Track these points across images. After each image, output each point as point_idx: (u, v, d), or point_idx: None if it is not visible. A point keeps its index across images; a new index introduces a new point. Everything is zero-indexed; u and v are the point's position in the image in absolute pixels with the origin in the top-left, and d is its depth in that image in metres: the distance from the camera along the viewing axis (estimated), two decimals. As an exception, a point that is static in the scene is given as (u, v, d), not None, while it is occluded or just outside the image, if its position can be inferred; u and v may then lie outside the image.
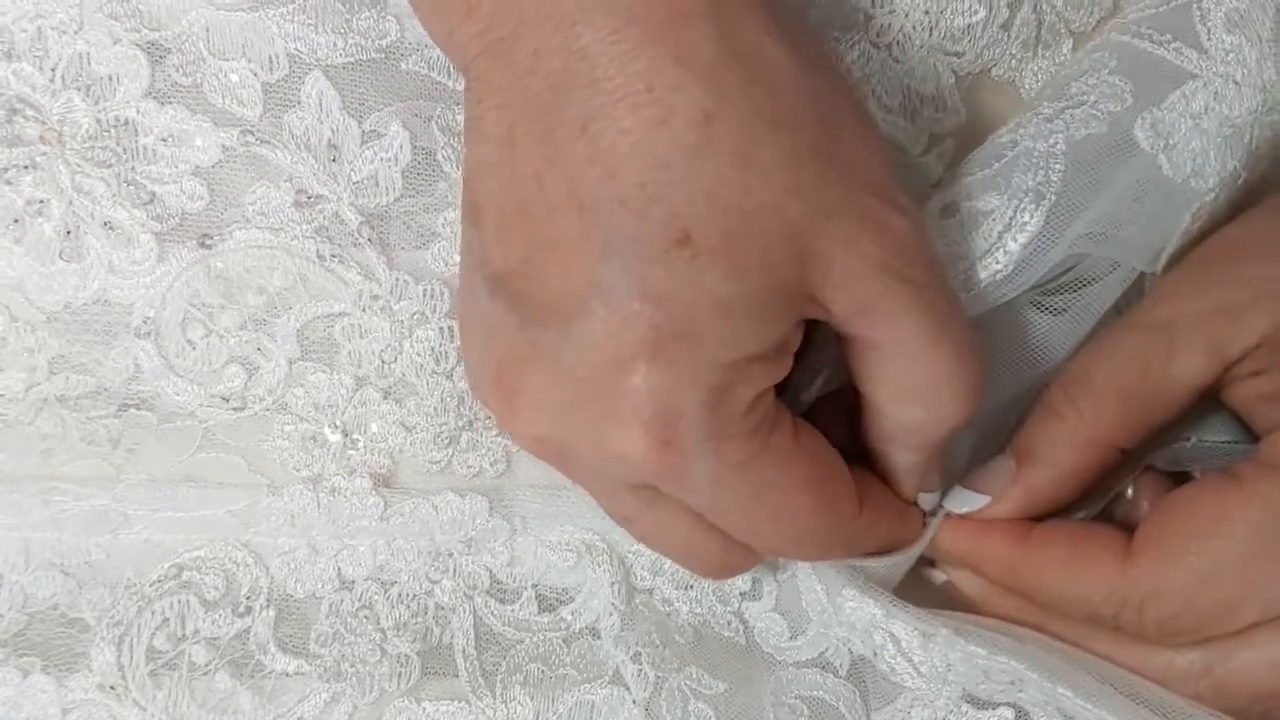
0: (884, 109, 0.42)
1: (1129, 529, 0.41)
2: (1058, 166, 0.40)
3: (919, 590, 0.44)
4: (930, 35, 0.42)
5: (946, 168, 0.43)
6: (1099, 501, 0.44)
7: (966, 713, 0.41)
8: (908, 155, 0.43)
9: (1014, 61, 0.43)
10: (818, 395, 0.41)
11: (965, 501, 0.42)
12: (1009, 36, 0.42)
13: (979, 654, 0.40)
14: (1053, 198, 0.39)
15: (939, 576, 0.43)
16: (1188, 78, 0.40)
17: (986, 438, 0.43)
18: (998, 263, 0.40)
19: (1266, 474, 0.39)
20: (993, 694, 0.41)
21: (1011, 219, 0.39)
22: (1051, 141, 0.40)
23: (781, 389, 0.37)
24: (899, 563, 0.42)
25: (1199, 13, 0.41)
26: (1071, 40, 0.43)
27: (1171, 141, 0.40)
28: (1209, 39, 0.40)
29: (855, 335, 0.37)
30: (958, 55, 0.42)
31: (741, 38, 0.34)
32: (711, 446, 0.35)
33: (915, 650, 0.41)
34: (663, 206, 0.33)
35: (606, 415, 0.35)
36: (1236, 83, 0.40)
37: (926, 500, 0.42)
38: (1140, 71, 0.40)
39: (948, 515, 0.43)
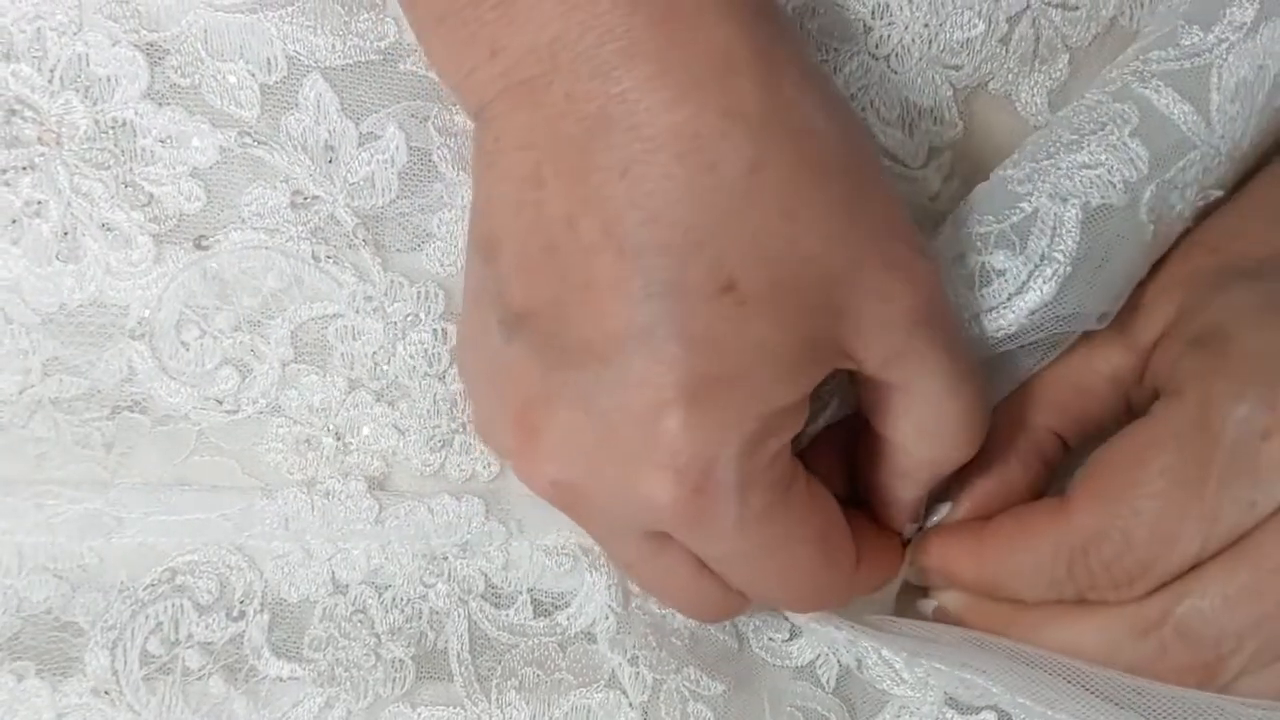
0: (882, 121, 0.42)
1: None
2: (1074, 235, 0.40)
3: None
4: (929, 48, 0.42)
5: (944, 180, 0.44)
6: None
7: (951, 718, 0.42)
8: (906, 168, 0.43)
9: (1011, 75, 0.43)
10: (823, 426, 0.42)
11: (931, 514, 0.43)
12: (1007, 51, 0.43)
13: (940, 669, 0.41)
14: (1069, 268, 0.40)
15: (929, 605, 0.44)
16: (1190, 148, 0.41)
17: None
18: (1005, 322, 0.40)
19: (1171, 402, 0.40)
20: (974, 699, 0.41)
21: (1025, 284, 0.40)
22: (1069, 206, 0.40)
23: None
24: (884, 598, 0.43)
25: (1216, 78, 0.41)
26: (1068, 55, 0.43)
27: (1162, 214, 0.41)
28: (1216, 109, 0.41)
29: (882, 381, 0.38)
30: (956, 68, 0.42)
31: (783, 90, 0.35)
32: (740, 495, 0.36)
33: (896, 659, 0.42)
34: (708, 253, 0.34)
35: (638, 459, 0.35)
36: (1222, 155, 0.41)
37: (910, 530, 0.43)
38: (1156, 137, 0.41)
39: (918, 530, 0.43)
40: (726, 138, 0.34)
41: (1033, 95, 0.43)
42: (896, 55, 0.42)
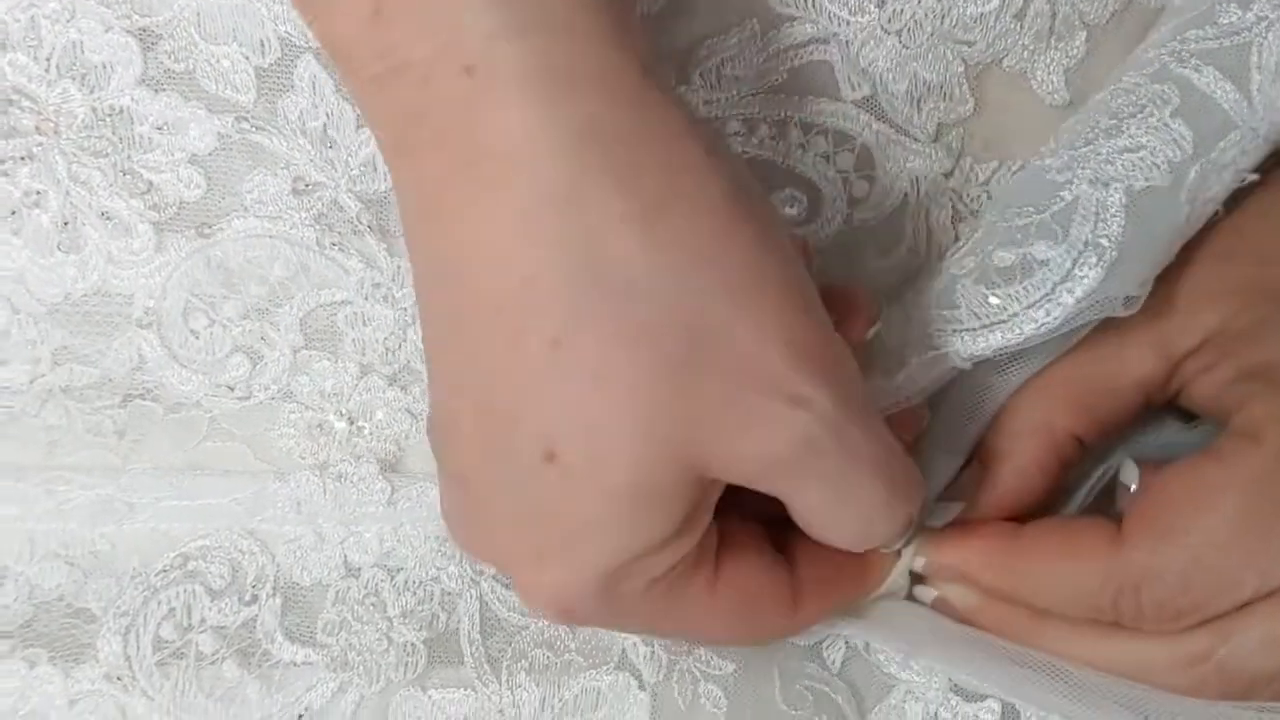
0: (891, 96, 0.41)
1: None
2: (1118, 220, 0.39)
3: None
4: (942, 23, 0.41)
5: (957, 158, 0.43)
6: (1077, 498, 0.44)
7: (955, 705, 0.42)
8: (915, 141, 0.42)
9: (1026, 53, 0.42)
10: None
11: (942, 513, 0.42)
12: (1022, 27, 0.41)
13: (939, 668, 0.41)
14: (1114, 253, 0.38)
15: (928, 594, 0.43)
16: (1232, 128, 0.39)
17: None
18: (1050, 315, 0.39)
19: (1244, 445, 0.39)
20: (978, 686, 0.41)
21: (1070, 272, 0.39)
22: (1111, 190, 0.39)
23: None
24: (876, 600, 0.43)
25: (1256, 56, 0.39)
26: (1086, 32, 0.42)
27: (1199, 195, 0.39)
28: (1258, 89, 0.39)
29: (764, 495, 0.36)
30: (969, 44, 0.41)
31: (604, 248, 0.32)
32: (611, 622, 0.37)
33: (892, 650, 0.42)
34: (528, 425, 0.33)
35: (520, 585, 0.36)
36: (1260, 138, 0.39)
37: (890, 548, 0.42)
38: (1199, 117, 0.39)
39: (930, 529, 0.42)
40: (528, 311, 0.32)
41: (1049, 73, 0.42)
42: (908, 30, 0.41)
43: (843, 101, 0.41)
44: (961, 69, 0.42)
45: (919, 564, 0.42)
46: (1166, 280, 0.40)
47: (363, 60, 0.33)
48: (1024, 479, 0.42)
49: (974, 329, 0.40)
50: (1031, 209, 0.40)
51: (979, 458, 0.43)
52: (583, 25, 0.33)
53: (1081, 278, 0.39)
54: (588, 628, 0.39)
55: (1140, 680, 0.40)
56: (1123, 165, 0.39)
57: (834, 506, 0.36)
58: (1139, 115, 0.40)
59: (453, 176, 0.33)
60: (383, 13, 0.32)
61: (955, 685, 0.42)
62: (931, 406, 0.42)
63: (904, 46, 0.41)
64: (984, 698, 0.41)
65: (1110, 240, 0.38)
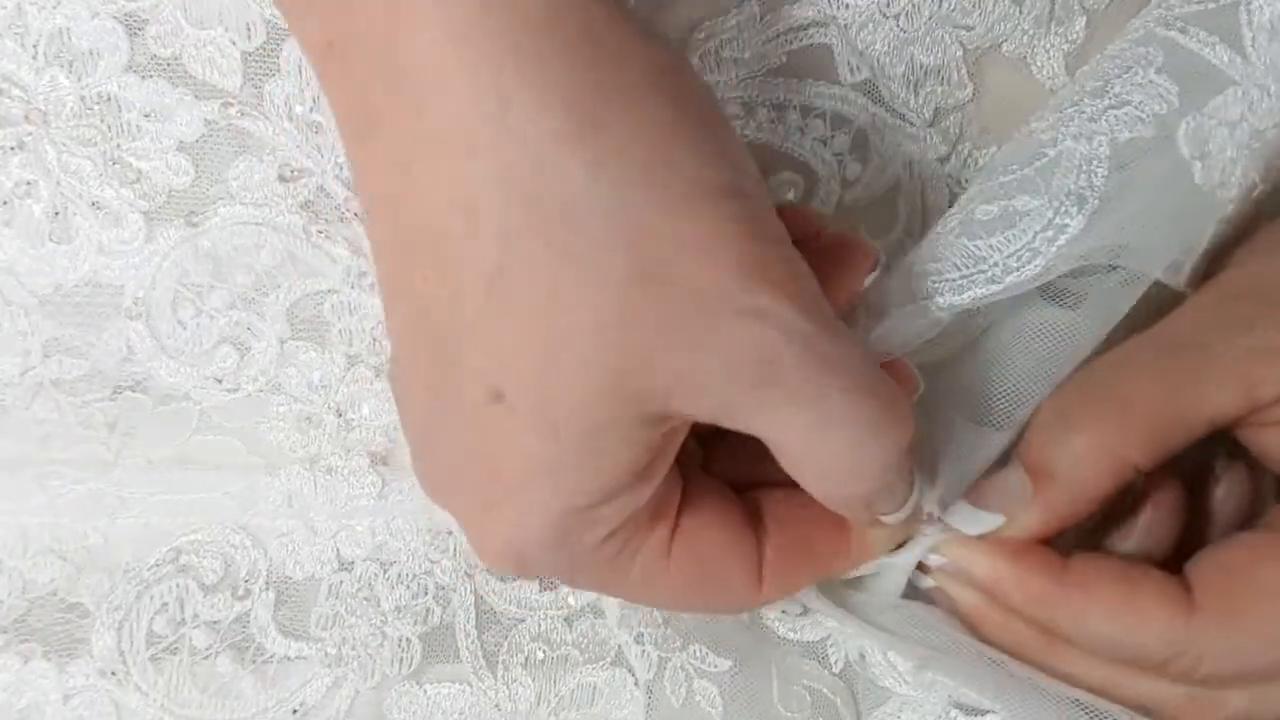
0: (888, 80, 0.41)
1: (1156, 560, 0.40)
2: (1101, 171, 0.38)
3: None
4: (940, 7, 0.40)
5: (954, 144, 0.42)
6: (1117, 525, 0.42)
7: (956, 719, 0.41)
8: (912, 126, 0.42)
9: (1026, 38, 0.41)
10: None
11: (976, 522, 0.40)
12: (1021, 11, 0.41)
13: (947, 684, 0.40)
14: (1095, 202, 0.38)
15: (927, 582, 0.42)
16: (1228, 84, 0.39)
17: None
18: (1032, 264, 0.39)
19: None
20: (980, 700, 0.41)
21: (1051, 220, 0.38)
22: (1095, 143, 0.39)
23: None
24: (881, 575, 0.41)
25: (1246, 15, 0.39)
26: (1085, 17, 0.42)
27: (1208, 149, 0.39)
28: (1252, 45, 0.39)
29: (731, 428, 0.34)
30: (968, 29, 0.41)
31: (539, 168, 0.31)
32: (565, 576, 0.36)
33: (899, 660, 0.41)
34: (471, 363, 0.32)
35: (473, 536, 0.36)
36: (1270, 94, 0.39)
37: (889, 519, 0.39)
38: (1186, 73, 0.39)
39: (959, 535, 0.41)
40: (467, 239, 0.31)
41: (1049, 58, 0.42)
42: (907, 14, 0.40)
43: (841, 85, 0.41)
44: (960, 53, 0.41)
45: (934, 561, 0.41)
46: (1264, 319, 0.39)
47: None
48: (1079, 506, 0.39)
49: (955, 279, 0.39)
50: (1015, 166, 0.39)
51: (1027, 464, 0.40)
52: None
53: (1063, 226, 0.38)
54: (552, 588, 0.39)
55: (1149, 710, 0.39)
56: (1107, 121, 0.39)
57: (817, 430, 0.33)
58: (1124, 75, 0.39)
59: (381, 101, 0.31)
60: None
61: (956, 700, 0.41)
62: (951, 369, 0.42)
63: (902, 30, 0.40)
64: (984, 713, 0.41)
65: (1092, 190, 0.38)
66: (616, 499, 0.34)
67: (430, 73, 0.31)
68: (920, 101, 0.41)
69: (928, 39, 0.41)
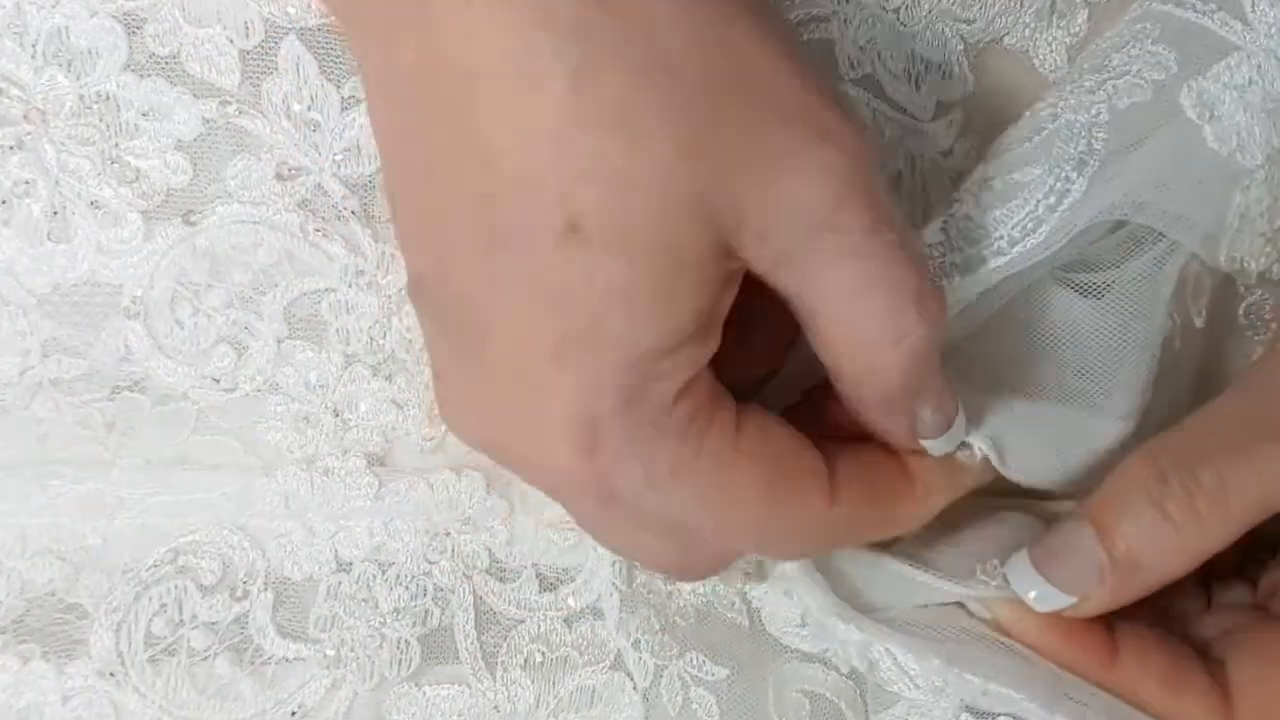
0: (889, 74, 0.41)
1: (1198, 646, 0.40)
2: (1101, 135, 0.38)
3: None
4: (940, 1, 0.40)
5: (957, 137, 0.42)
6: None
7: None
8: (915, 120, 0.41)
9: (1027, 31, 0.41)
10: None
11: (1046, 599, 0.38)
12: (1021, 5, 0.41)
13: (974, 682, 0.39)
14: (1096, 164, 0.38)
15: (981, 612, 0.41)
16: (1231, 49, 0.39)
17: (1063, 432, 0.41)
18: (1036, 232, 0.38)
19: None
20: (993, 705, 0.40)
21: (1052, 186, 0.38)
22: (1094, 111, 0.39)
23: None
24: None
25: None
26: (1087, 10, 0.41)
27: (1216, 113, 0.39)
28: (1253, 10, 0.39)
29: (779, 286, 0.33)
30: (968, 22, 0.41)
31: None
32: (638, 451, 0.33)
33: (911, 664, 0.40)
34: (547, 192, 0.30)
35: (531, 425, 0.33)
36: (1279, 58, 0.38)
37: (935, 447, 0.38)
38: (1184, 41, 0.39)
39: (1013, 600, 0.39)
40: (543, 54, 0.30)
41: (1050, 51, 0.42)
42: (906, 8, 0.40)
43: (842, 80, 0.41)
44: (961, 47, 0.41)
45: (975, 608, 0.40)
46: None
47: None
48: (1150, 591, 0.38)
49: (962, 258, 0.39)
50: (1017, 143, 0.39)
51: (1110, 548, 0.38)
52: None
53: (1065, 191, 0.38)
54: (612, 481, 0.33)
55: None
56: (1105, 91, 0.39)
57: (863, 289, 0.33)
58: (1122, 50, 0.39)
59: None
60: None
61: (967, 704, 0.41)
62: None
63: (902, 25, 0.40)
64: (996, 715, 0.40)
65: (1092, 154, 0.38)
66: (684, 348, 0.32)
67: None
68: (922, 96, 0.41)
69: (928, 33, 0.41)
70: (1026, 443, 0.40)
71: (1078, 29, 0.41)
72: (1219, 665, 0.39)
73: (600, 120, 0.30)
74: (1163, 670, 0.39)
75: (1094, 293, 0.41)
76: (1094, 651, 0.39)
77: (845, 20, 0.40)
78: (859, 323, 0.33)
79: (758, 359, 0.38)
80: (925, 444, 0.37)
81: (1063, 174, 0.38)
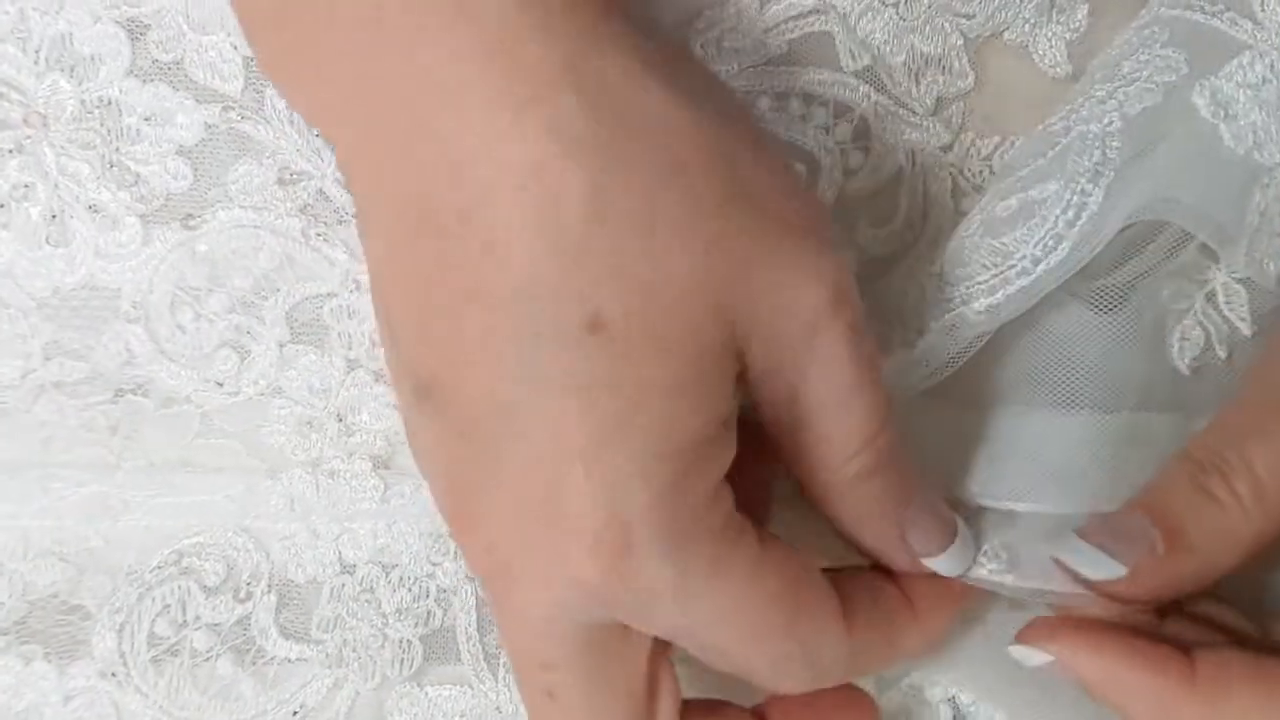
0: (889, 68, 0.40)
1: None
2: (1114, 144, 0.38)
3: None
4: (939, -5, 0.40)
5: (956, 133, 0.42)
6: None
7: None
8: (913, 114, 0.41)
9: (1027, 26, 0.41)
10: None
11: (1096, 565, 0.37)
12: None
13: None
14: (1111, 174, 0.38)
15: (1034, 658, 0.38)
16: (1243, 48, 0.38)
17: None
18: (1059, 249, 0.38)
19: None
20: None
21: (1070, 201, 0.38)
22: (1106, 121, 0.38)
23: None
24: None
25: None
26: (1088, 5, 0.41)
27: (1231, 112, 0.38)
28: (1263, 10, 0.38)
29: (770, 394, 0.34)
30: (968, 17, 0.40)
31: (615, 95, 0.31)
32: (673, 552, 0.32)
33: None
34: (568, 290, 0.31)
35: (552, 531, 0.32)
36: None
37: (944, 566, 0.38)
38: (1194, 42, 0.38)
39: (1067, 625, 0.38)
40: (560, 162, 0.31)
41: (1051, 46, 0.41)
42: (906, 2, 0.40)
43: (842, 72, 0.40)
44: (961, 42, 0.41)
45: (1032, 660, 0.38)
46: None
47: None
48: (1203, 584, 0.38)
49: (986, 281, 0.39)
50: (1030, 160, 0.39)
51: (1162, 529, 0.38)
52: None
53: (1082, 204, 0.38)
54: (637, 584, 0.33)
55: None
56: (1116, 99, 0.38)
57: (849, 388, 0.34)
58: (1132, 56, 0.39)
59: (445, 70, 0.31)
60: None
61: None
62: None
63: (901, 19, 0.40)
64: None
65: (1107, 163, 0.38)
66: (716, 445, 0.33)
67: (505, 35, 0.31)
68: (922, 90, 0.41)
69: (927, 27, 0.40)
70: (1037, 544, 0.39)
71: (1078, 24, 0.41)
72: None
73: (621, 221, 0.31)
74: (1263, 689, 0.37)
75: (1101, 302, 0.41)
76: (1161, 667, 0.37)
77: (844, 14, 0.40)
78: (843, 422, 0.35)
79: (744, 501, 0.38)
80: (933, 564, 0.38)
81: (1079, 187, 0.38)
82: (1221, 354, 0.42)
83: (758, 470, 0.37)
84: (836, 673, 0.37)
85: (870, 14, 0.40)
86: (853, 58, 0.40)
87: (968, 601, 0.39)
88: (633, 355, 0.31)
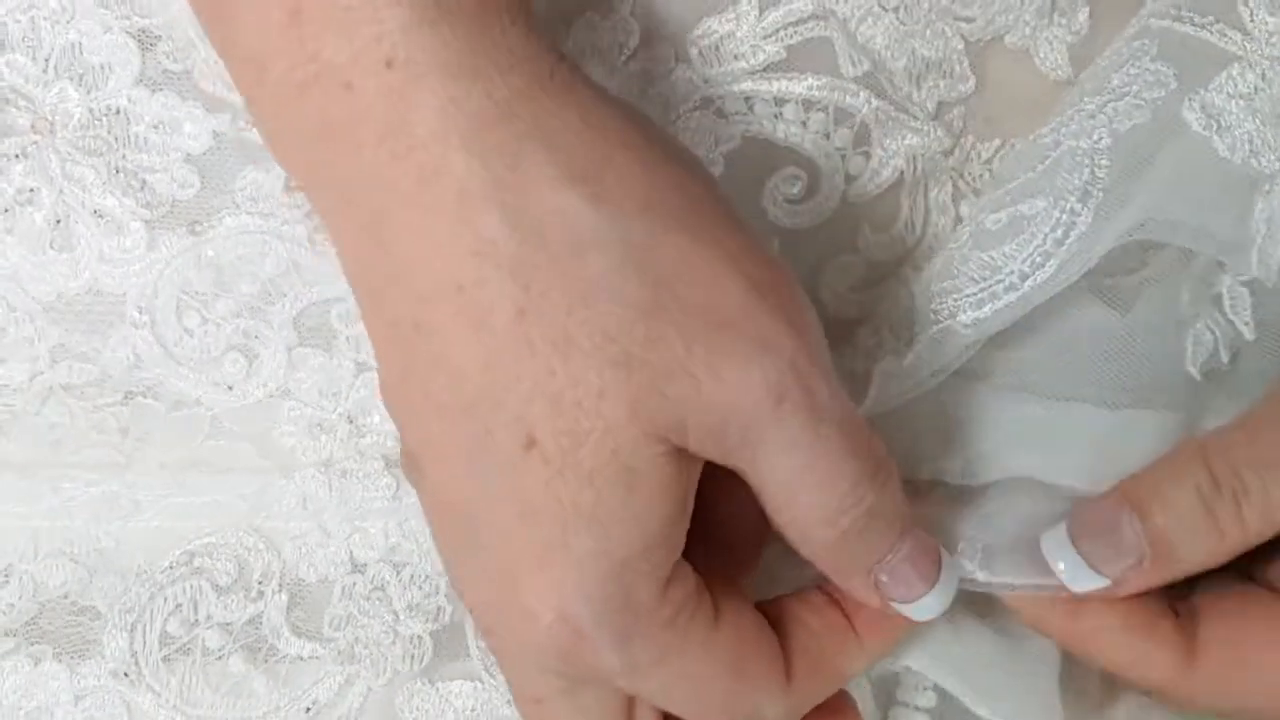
0: (888, 72, 0.41)
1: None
2: (1104, 162, 0.38)
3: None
4: (940, -1, 0.40)
5: (958, 137, 0.42)
6: None
7: None
8: (914, 120, 0.41)
9: (1028, 29, 0.41)
10: None
11: (1081, 578, 0.38)
12: (1023, 3, 0.40)
13: None
14: (1100, 194, 0.38)
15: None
16: (1232, 60, 0.39)
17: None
18: (1047, 266, 0.38)
19: None
20: None
21: (1059, 219, 0.38)
22: (1095, 137, 0.38)
23: None
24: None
25: None
26: (1089, 8, 0.41)
27: (1223, 123, 0.38)
28: (1252, 20, 0.39)
29: (737, 468, 0.35)
30: (968, 21, 0.40)
31: (537, 206, 0.32)
32: (619, 646, 0.34)
33: None
34: (505, 411, 0.33)
35: (516, 618, 0.34)
36: None
37: (914, 611, 0.38)
38: (1183, 55, 0.39)
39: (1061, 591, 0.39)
40: (487, 285, 0.32)
41: (1052, 50, 0.41)
42: (906, 6, 0.40)
43: (842, 78, 0.41)
44: (962, 46, 0.41)
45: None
46: None
47: (280, 70, 0.33)
48: (1188, 575, 0.39)
49: (973, 294, 0.39)
50: (1020, 174, 0.39)
51: (1148, 535, 0.38)
52: (492, 12, 0.33)
53: (1070, 224, 0.38)
54: (590, 664, 0.35)
55: None
56: (1105, 114, 0.39)
57: (800, 476, 0.34)
58: (1121, 69, 0.39)
59: (384, 174, 0.33)
60: (302, 14, 0.32)
61: None
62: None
63: (901, 23, 0.40)
64: None
65: (1095, 183, 0.38)
66: (658, 550, 0.34)
67: (437, 133, 0.32)
68: (923, 95, 0.41)
69: (928, 31, 0.40)
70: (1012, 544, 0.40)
71: (1079, 27, 0.41)
72: (1190, 619, 0.39)
73: (544, 343, 0.32)
74: (1128, 612, 0.39)
75: (1117, 300, 0.42)
76: (1171, 648, 0.39)
77: (844, 19, 0.40)
78: (798, 506, 0.35)
79: (738, 549, 0.39)
80: (903, 609, 0.38)
81: (1067, 205, 0.38)
82: (1225, 357, 0.42)
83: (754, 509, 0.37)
84: (783, 716, 0.38)
85: (870, 19, 0.40)
86: (852, 63, 0.40)
87: (912, 625, 0.39)
88: (566, 475, 0.33)
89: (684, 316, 0.33)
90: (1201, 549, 0.38)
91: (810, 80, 0.41)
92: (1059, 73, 0.41)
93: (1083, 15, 0.41)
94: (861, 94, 0.41)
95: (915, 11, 0.40)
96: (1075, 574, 0.38)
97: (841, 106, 0.41)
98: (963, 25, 0.41)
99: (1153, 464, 0.39)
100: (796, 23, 0.40)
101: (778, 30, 0.40)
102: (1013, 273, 0.39)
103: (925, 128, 0.41)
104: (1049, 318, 0.41)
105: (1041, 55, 0.41)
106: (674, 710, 0.37)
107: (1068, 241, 0.38)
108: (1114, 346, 0.42)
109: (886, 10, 0.40)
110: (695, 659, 0.35)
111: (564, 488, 0.33)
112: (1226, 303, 0.42)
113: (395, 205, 0.33)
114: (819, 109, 0.41)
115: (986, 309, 0.39)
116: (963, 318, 0.39)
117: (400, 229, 0.33)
